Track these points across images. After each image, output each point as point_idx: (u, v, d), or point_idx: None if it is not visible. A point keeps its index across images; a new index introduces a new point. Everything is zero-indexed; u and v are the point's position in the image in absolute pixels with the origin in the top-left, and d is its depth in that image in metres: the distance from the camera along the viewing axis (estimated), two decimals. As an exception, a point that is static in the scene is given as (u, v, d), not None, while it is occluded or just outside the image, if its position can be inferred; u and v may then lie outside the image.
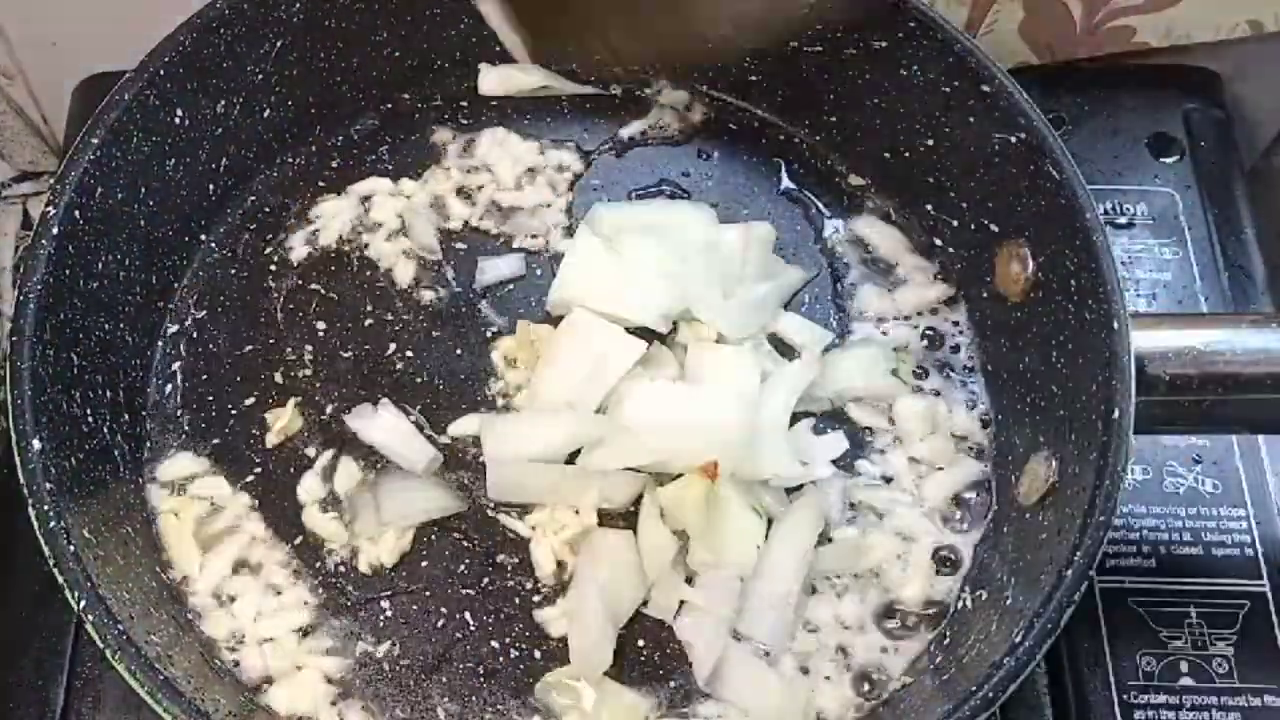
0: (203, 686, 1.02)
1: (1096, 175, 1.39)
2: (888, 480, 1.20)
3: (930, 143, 1.24)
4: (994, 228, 1.21)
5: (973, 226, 1.23)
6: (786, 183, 1.35)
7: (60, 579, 0.97)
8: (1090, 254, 1.07)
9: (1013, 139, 1.15)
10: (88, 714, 1.14)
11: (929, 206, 1.28)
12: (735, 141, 1.38)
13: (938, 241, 1.29)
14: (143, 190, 1.18)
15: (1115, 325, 1.04)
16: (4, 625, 1.19)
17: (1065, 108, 1.44)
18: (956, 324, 1.27)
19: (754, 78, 1.36)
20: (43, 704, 1.15)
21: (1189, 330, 1.08)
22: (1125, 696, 1.13)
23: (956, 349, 1.26)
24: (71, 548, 0.97)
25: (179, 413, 1.22)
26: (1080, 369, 1.08)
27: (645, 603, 1.12)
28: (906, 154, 1.27)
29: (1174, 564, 1.20)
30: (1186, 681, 1.14)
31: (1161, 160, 1.43)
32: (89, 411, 1.12)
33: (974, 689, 0.95)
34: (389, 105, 1.38)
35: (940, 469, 1.20)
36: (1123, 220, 1.37)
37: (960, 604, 1.13)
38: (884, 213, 1.33)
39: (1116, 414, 1.01)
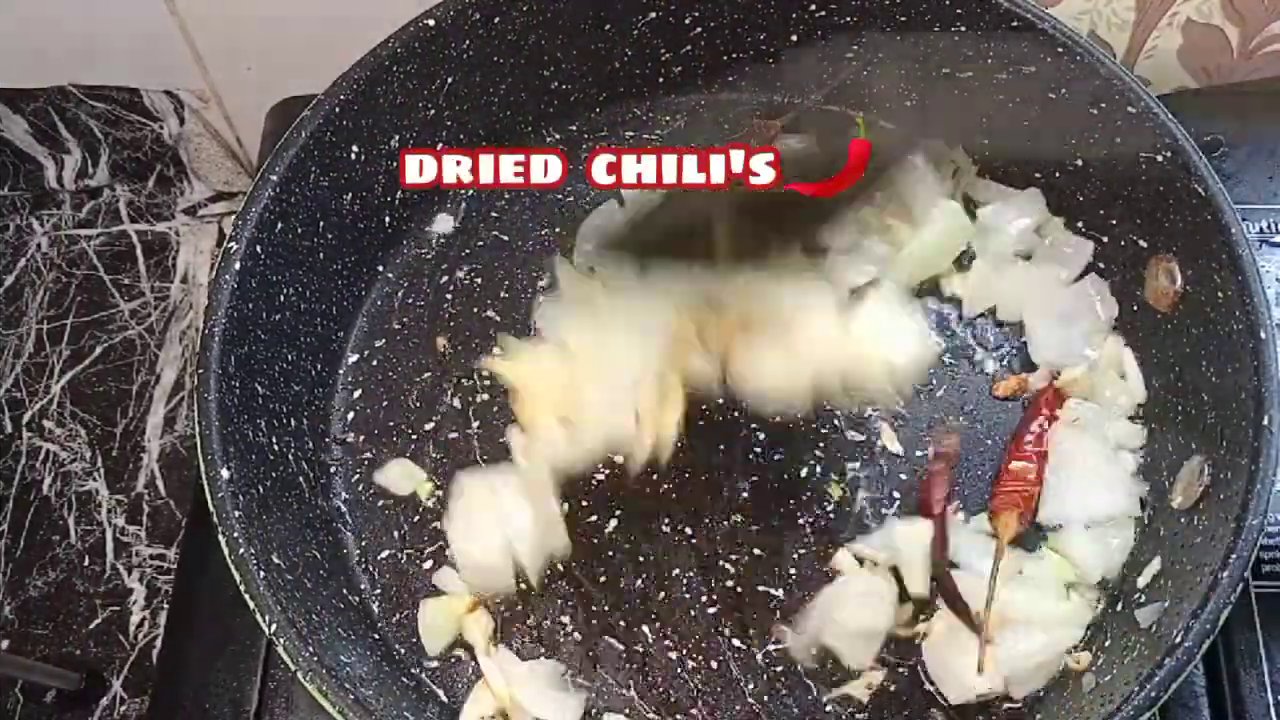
0: (395, 704, 1.06)
1: (1251, 195, 1.39)
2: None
3: (1080, 162, 1.26)
4: (1143, 243, 1.22)
5: (1122, 242, 1.24)
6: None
7: (251, 604, 1.01)
8: (1236, 267, 1.09)
9: (1158, 157, 1.16)
10: (280, 715, 1.17)
11: (1080, 223, 1.29)
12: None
13: (1092, 254, 1.30)
14: (321, 224, 1.22)
15: (1262, 335, 1.06)
16: (202, 626, 1.23)
17: (1222, 130, 1.42)
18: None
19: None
20: (237, 704, 1.18)
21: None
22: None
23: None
24: (261, 573, 1.01)
25: (361, 439, 1.26)
26: (1229, 377, 1.09)
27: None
28: (1057, 173, 1.29)
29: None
30: (1342, 683, 1.14)
31: (1320, 181, 1.43)
32: (274, 440, 1.16)
33: (1136, 689, 0.98)
34: (559, 136, 1.41)
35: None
36: (1278, 239, 1.37)
37: (1119, 605, 1.15)
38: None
39: (1266, 420, 1.03)
